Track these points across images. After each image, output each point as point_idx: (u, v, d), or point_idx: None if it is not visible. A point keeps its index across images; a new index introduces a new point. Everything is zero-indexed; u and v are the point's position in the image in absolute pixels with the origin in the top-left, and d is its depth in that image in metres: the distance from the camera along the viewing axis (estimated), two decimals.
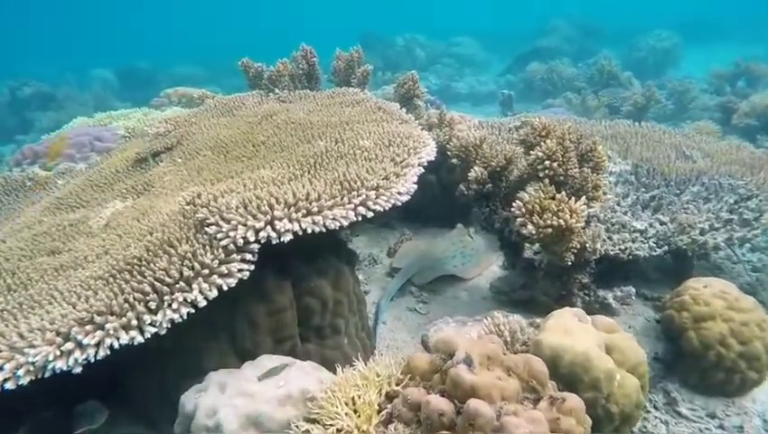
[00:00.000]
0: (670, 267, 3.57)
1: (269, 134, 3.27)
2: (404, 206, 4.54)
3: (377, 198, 2.38)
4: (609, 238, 3.14)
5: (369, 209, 2.34)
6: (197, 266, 2.00)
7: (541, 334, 2.14)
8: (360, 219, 2.32)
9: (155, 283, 1.95)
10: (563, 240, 2.53)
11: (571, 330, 2.11)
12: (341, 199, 2.30)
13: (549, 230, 2.47)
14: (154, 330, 1.87)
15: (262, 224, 2.10)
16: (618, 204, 3.51)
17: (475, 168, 3.06)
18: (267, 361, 2.09)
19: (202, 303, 1.98)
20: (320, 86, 4.41)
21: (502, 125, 4.47)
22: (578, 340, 2.07)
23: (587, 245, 2.70)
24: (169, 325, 1.91)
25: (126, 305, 1.89)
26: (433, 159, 2.94)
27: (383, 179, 2.47)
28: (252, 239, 2.09)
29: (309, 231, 2.17)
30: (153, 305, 1.91)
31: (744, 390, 2.76)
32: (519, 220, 2.58)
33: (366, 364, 1.97)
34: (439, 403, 1.60)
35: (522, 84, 11.74)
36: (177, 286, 1.96)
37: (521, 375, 1.73)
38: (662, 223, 3.37)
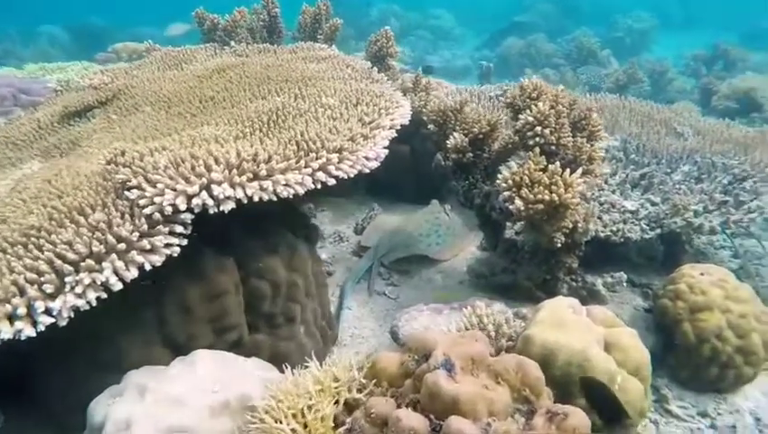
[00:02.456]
0: (657, 251, 3.31)
1: (219, 89, 2.83)
2: (374, 179, 4.17)
3: (340, 162, 2.00)
4: (599, 218, 2.84)
5: (330, 175, 1.96)
6: (111, 239, 1.59)
7: (531, 327, 1.82)
8: (319, 186, 1.94)
9: (55, 260, 1.53)
10: (555, 218, 2.21)
11: (565, 324, 1.79)
12: (297, 162, 1.90)
13: (540, 205, 2.13)
14: (49, 321, 1.46)
15: (196, 189, 1.69)
16: (606, 182, 3.21)
17: (455, 135, 2.70)
18: (203, 357, 1.71)
19: (118, 286, 1.57)
20: (282, 41, 3.95)
21: (482, 93, 4.11)
22: (574, 336, 1.75)
23: (579, 225, 2.38)
24: (71, 315, 1.50)
25: (14, 288, 1.47)
26: (407, 122, 2.57)
27: (348, 141, 2.09)
28: (183, 207, 1.68)
29: (256, 198, 1.78)
30: (50, 288, 1.50)
31: (737, 386, 2.53)
32: (504, 194, 2.24)
33: (322, 363, 1.61)
34: (411, 421, 1.25)
35: (498, 59, 11.37)
36: (84, 264, 1.54)
37: (512, 382, 1.40)
38: (654, 204, 3.08)
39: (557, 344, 1.72)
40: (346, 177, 2.02)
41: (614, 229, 2.72)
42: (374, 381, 1.48)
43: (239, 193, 1.75)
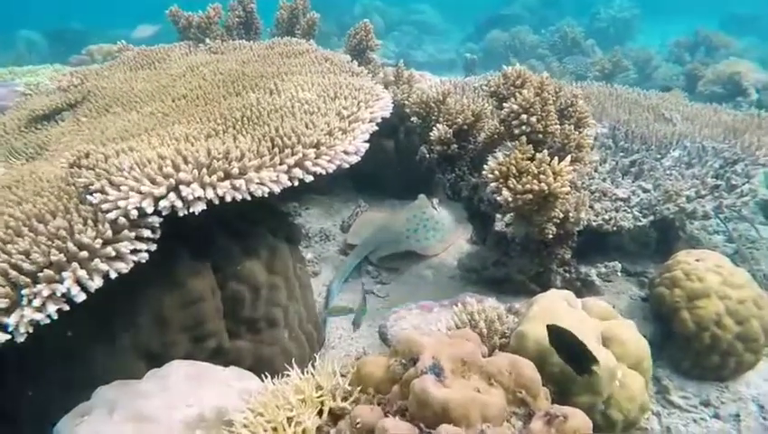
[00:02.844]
0: (650, 238, 3.24)
1: (193, 86, 2.71)
2: (359, 175, 4.08)
3: (317, 158, 1.90)
4: (590, 207, 2.76)
5: (307, 171, 1.86)
6: (72, 247, 1.48)
7: (525, 323, 1.73)
8: (296, 183, 1.84)
9: (10, 272, 1.42)
10: (544, 208, 2.12)
11: (560, 318, 1.70)
12: (271, 159, 1.80)
13: (529, 196, 2.04)
14: (4, 338, 1.35)
15: (163, 190, 1.58)
16: (596, 170, 3.13)
17: (438, 126, 2.60)
18: (177, 369, 1.60)
19: (81, 297, 1.46)
20: (259, 38, 3.83)
21: (467, 84, 4.02)
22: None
23: (570, 214, 2.30)
24: (30, 330, 1.38)
25: None
26: (388, 115, 2.47)
27: (326, 135, 1.99)
28: (150, 210, 1.57)
29: (229, 198, 1.68)
30: (4, 303, 1.38)
31: (738, 373, 2.47)
32: (491, 185, 2.15)
33: (304, 370, 1.51)
34: (399, 430, 1.16)
35: (483, 52, 11.28)
36: (42, 275, 1.43)
37: (506, 384, 1.31)
38: (645, 191, 3.01)
39: None
40: (324, 173, 1.92)
41: (607, 217, 2.64)
42: (359, 387, 1.38)
43: (210, 194, 1.64)
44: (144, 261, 1.58)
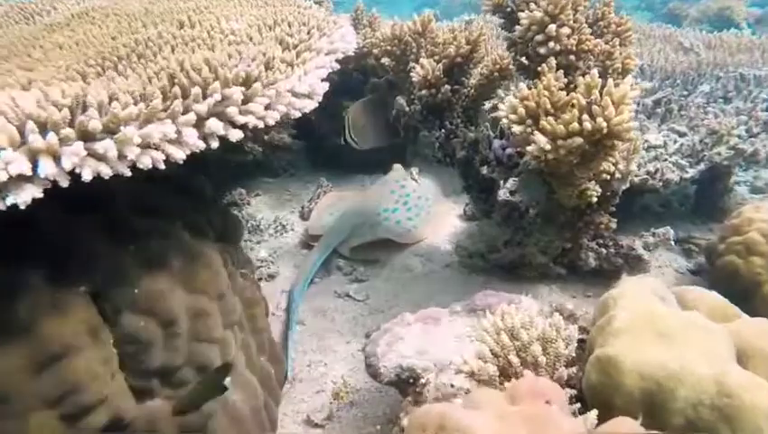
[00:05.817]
0: (687, 194, 2.65)
1: (76, 33, 1.93)
2: (317, 147, 3.32)
3: (247, 102, 1.17)
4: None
5: (231, 123, 1.13)
6: None
7: (609, 342, 1.06)
8: (214, 145, 1.11)
9: None
10: (593, 158, 1.44)
11: (669, 328, 1.04)
12: (168, 105, 1.06)
13: (577, 140, 1.36)
14: None
15: None
16: None
17: (423, 62, 1.89)
18: None
19: None
20: None
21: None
22: (692, 350, 1.00)
23: (620, 167, 1.64)
24: None
25: None
26: (352, 49, 1.75)
27: (261, 66, 1.25)
28: None
29: (87, 176, 0.93)
30: None
31: None
32: (515, 129, 1.46)
33: None
34: None
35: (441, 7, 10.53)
36: None
37: None
38: (682, 134, 2.39)
39: (670, 371, 0.97)
40: (261, 125, 1.18)
41: (651, 170, 2.00)
42: None
43: (48, 168, 0.89)
44: None
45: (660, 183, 2.07)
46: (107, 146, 0.94)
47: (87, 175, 0.93)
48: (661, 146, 2.29)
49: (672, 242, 2.03)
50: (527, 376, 0.98)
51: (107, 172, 0.95)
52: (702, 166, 2.20)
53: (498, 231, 2.15)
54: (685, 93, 2.71)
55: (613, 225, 1.89)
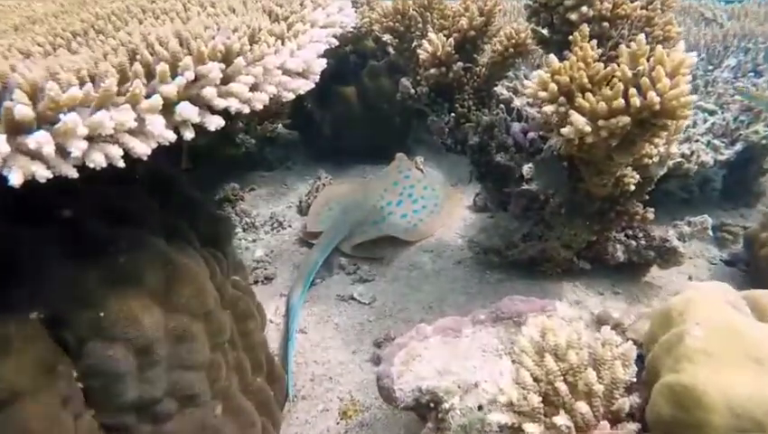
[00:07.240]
0: (715, 178, 2.44)
1: (32, 13, 1.71)
2: (314, 136, 3.13)
3: (228, 81, 0.95)
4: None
5: (210, 108, 0.92)
6: None
7: (684, 367, 0.86)
8: (186, 137, 0.90)
9: None
10: (639, 138, 1.23)
11: (762, 351, 0.84)
12: (128, 87, 0.85)
13: (624, 119, 1.15)
14: None
15: None
16: None
17: (431, 36, 1.67)
18: None
19: None
20: None
21: None
22: None
23: (659, 149, 1.43)
24: None
25: None
26: (351, 24, 1.54)
27: (244, 38, 1.04)
28: None
29: (15, 181, 0.72)
30: None
31: None
32: (547, 109, 1.25)
33: None
34: None
35: None
36: None
37: None
38: (712, 113, 2.18)
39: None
40: (247, 110, 0.97)
41: (687, 152, 1.79)
42: None
43: None
44: None
45: (696, 167, 1.87)
46: (40, 139, 0.72)
47: (15, 180, 0.72)
48: (691, 126, 2.08)
49: (710, 232, 1.82)
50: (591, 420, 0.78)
51: (43, 174, 0.74)
52: (738, 147, 1.99)
53: (515, 224, 1.94)
54: (710, 68, 2.50)
55: (651, 216, 1.69)
